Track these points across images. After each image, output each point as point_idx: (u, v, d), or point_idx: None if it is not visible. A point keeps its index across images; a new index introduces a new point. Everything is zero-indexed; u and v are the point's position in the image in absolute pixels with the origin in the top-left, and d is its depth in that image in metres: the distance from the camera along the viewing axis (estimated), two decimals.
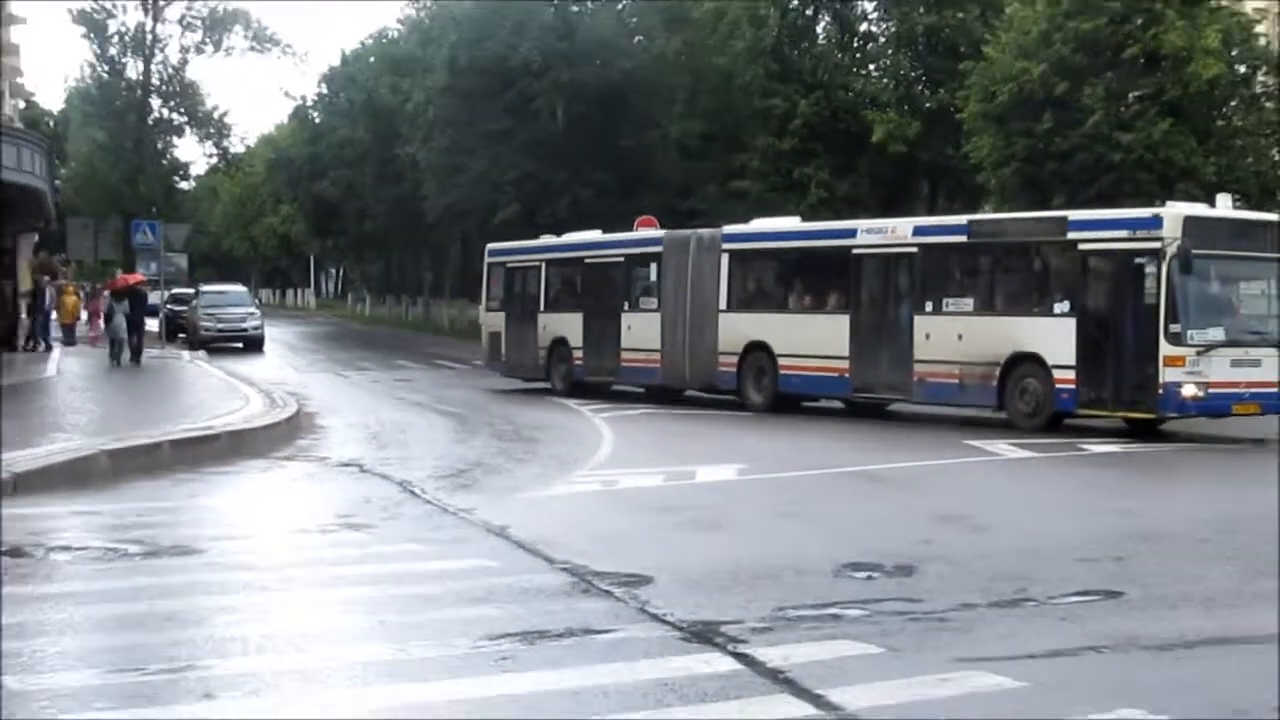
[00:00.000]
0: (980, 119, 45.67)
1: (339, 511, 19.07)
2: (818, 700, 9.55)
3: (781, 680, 10.15)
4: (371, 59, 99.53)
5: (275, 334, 71.05)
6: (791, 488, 22.01)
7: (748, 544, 16.50)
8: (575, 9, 68.95)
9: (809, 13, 61.22)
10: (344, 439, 28.79)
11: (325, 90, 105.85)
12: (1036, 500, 20.89)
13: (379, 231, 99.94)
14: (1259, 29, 46.69)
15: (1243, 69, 45.15)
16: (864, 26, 61.92)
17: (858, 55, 61.06)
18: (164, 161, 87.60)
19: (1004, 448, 26.49)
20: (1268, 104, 45.27)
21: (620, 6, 69.44)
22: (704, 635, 11.51)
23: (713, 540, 16.96)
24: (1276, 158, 45.02)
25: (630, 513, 19.27)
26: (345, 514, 18.77)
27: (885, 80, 58.52)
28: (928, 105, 53.94)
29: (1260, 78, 45.61)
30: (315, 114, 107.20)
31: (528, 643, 11.29)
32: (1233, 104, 45.15)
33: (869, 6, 61.79)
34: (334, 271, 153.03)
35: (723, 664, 10.63)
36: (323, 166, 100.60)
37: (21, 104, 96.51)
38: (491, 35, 67.52)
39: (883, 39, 60.94)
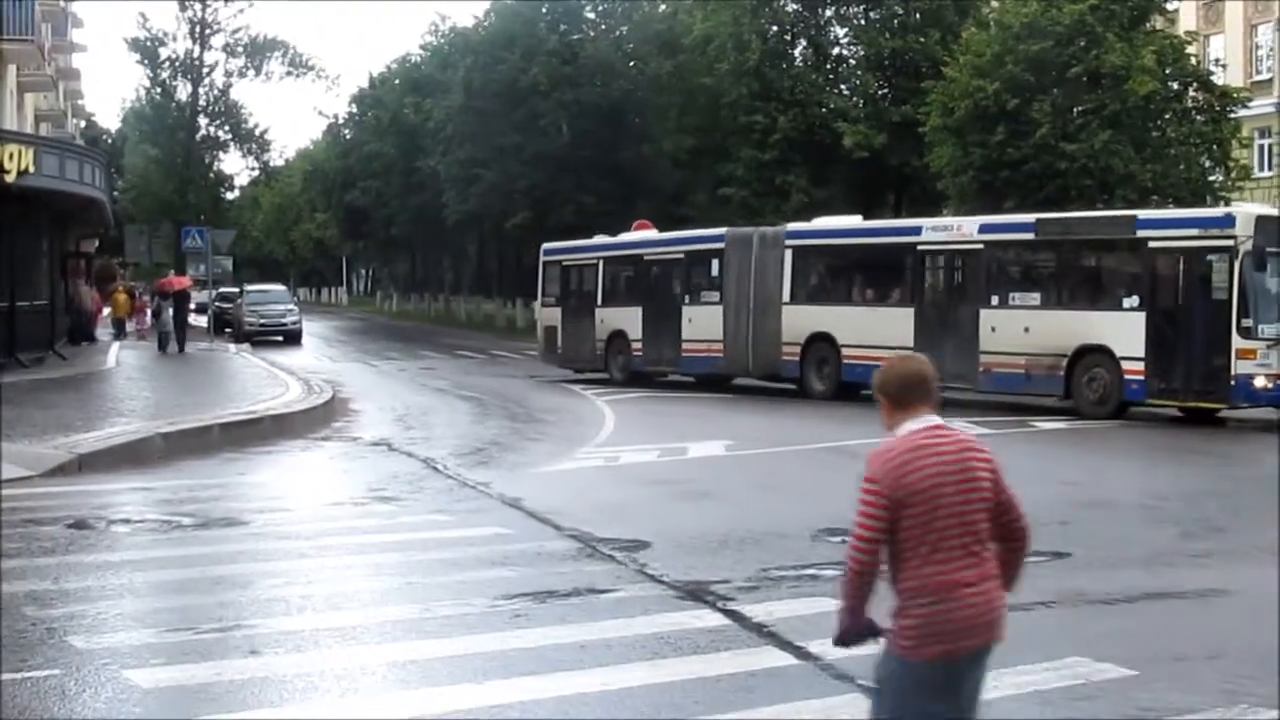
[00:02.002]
0: (940, 131, 45.58)
1: (370, 486, 19.08)
2: (798, 651, 9.62)
3: (766, 634, 10.21)
4: (396, 81, 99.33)
5: (312, 328, 71.04)
6: (774, 462, 22.10)
7: (734, 512, 16.54)
8: (578, 36, 68.77)
9: (787, 37, 60.99)
10: (374, 421, 28.76)
11: (355, 109, 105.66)
12: None
13: (404, 235, 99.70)
14: (1190, 49, 46.63)
15: (1175, 85, 45.08)
16: (836, 50, 61.68)
17: (831, 75, 60.86)
18: (211, 174, 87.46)
19: (961, 425, 26.23)
20: (1198, 117, 45.25)
21: (618, 34, 69.25)
22: (696, 594, 11.55)
23: (703, 509, 16.98)
24: (1206, 165, 44.99)
25: (630, 485, 19.29)
26: (376, 488, 18.78)
27: (855, 98, 58.43)
28: (894, 120, 53.72)
29: (1191, 93, 45.57)
30: (346, 131, 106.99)
31: (539, 601, 11.31)
32: (1166, 117, 45.02)
33: (841, 31, 61.62)
34: (364, 271, 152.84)
35: (713, 619, 10.68)
36: (353, 178, 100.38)
37: (83, 123, 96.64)
38: (503, 60, 67.46)
39: (853, 61, 60.77)
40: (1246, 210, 27.23)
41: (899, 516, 5.65)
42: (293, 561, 13.34)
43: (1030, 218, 31.25)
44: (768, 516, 16.02)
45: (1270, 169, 55.80)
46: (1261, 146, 56.41)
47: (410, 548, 13.90)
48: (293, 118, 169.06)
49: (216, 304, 65.25)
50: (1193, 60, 46.91)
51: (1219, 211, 27.82)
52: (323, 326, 79.77)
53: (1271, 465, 20.41)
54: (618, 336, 39.14)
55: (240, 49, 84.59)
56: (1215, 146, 44.82)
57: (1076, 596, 11.48)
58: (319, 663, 9.56)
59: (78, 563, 12.93)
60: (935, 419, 5.83)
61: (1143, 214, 29.68)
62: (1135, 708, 8.42)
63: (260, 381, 35.25)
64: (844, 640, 6.10)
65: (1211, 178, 45.38)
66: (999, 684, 8.73)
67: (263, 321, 63.30)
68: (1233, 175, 45.67)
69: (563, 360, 41.42)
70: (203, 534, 14.90)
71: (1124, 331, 27.32)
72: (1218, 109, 45.00)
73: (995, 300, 29.90)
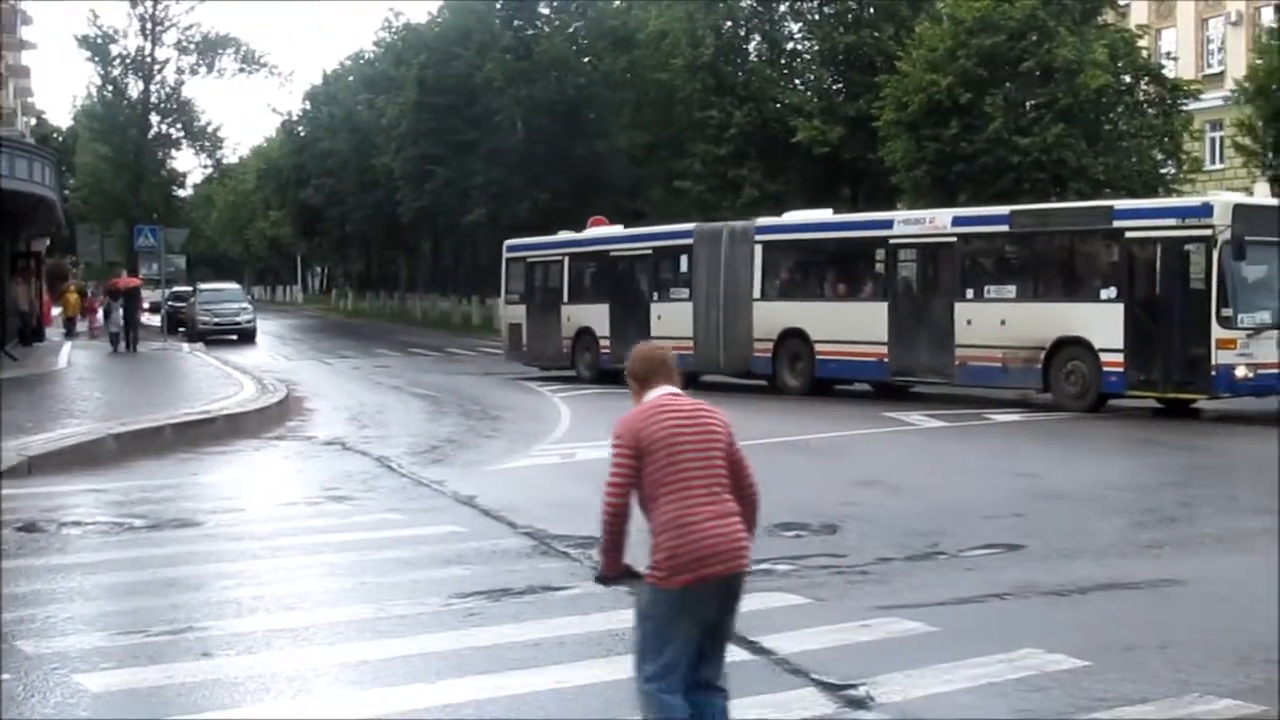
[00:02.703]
0: (894, 126, 45.73)
1: (324, 485, 19.02)
2: (753, 646, 9.59)
3: None
4: (350, 78, 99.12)
5: (266, 327, 70.82)
6: None
7: None
8: (532, 32, 68.70)
9: (741, 33, 61.13)
10: (328, 420, 28.67)
11: (309, 106, 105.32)
12: (947, 465, 20.96)
13: (359, 233, 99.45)
14: (1141, 43, 46.90)
15: (1127, 79, 45.34)
16: (791, 45, 61.73)
17: (786, 70, 60.91)
18: (163, 172, 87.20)
19: (918, 418, 26.55)
20: (1149, 110, 45.54)
21: (573, 29, 69.19)
22: None
23: None
24: (1157, 157, 45.25)
25: (585, 481, 19.05)
26: (329, 487, 18.72)
27: (810, 92, 58.48)
28: (848, 114, 53.82)
29: (1143, 86, 45.85)
30: (300, 128, 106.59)
31: (493, 599, 11.29)
32: (1118, 110, 45.33)
33: (795, 27, 61.63)
34: (319, 269, 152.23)
35: None
36: (307, 175, 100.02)
37: (33, 121, 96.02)
38: (457, 56, 67.51)
39: (808, 55, 60.83)
40: (1224, 199, 26.98)
41: (643, 464, 6.55)
42: (245, 562, 13.28)
43: (1004, 210, 31.08)
44: None
45: (1221, 161, 56.08)
46: (1213, 139, 56.70)
47: (364, 547, 13.85)
48: (246, 115, 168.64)
49: (170, 303, 64.82)
50: (1144, 54, 47.20)
51: (1197, 200, 27.52)
52: (277, 325, 79.48)
53: (1225, 454, 20.57)
54: (585, 334, 38.87)
55: (192, 46, 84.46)
56: (1167, 139, 45.12)
57: (1030, 588, 11.52)
58: (271, 664, 9.51)
59: (27, 566, 12.84)
60: (673, 389, 6.80)
61: (1119, 204, 29.54)
62: (1088, 698, 8.43)
63: (214, 381, 35.08)
64: (604, 580, 6.98)
65: (1163, 170, 45.68)
66: (953, 677, 8.83)
67: (216, 320, 63.05)
68: (1184, 167, 45.97)
69: (528, 358, 41.23)
70: (155, 535, 14.82)
71: (1102, 323, 27.07)
72: (1169, 102, 45.31)
73: (970, 293, 29.66)
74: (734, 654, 9.37)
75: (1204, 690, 8.53)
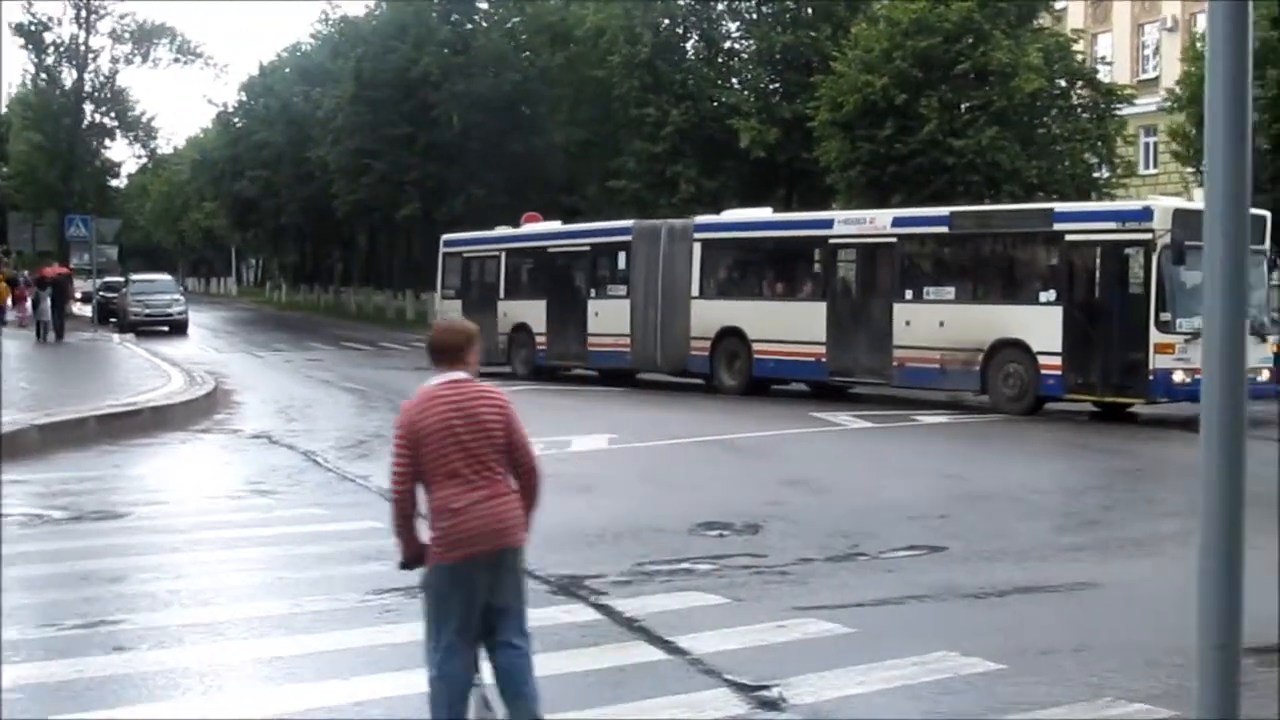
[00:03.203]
0: (829, 126, 45.73)
1: (248, 479, 18.93)
2: (668, 646, 9.61)
3: (636, 628, 10.18)
4: (286, 70, 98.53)
5: (199, 319, 70.35)
6: (656, 455, 22.06)
7: (613, 506, 16.52)
8: (470, 27, 68.56)
9: (679, 31, 61.15)
10: (256, 413, 28.51)
11: (245, 98, 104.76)
12: (873, 466, 21.01)
13: (294, 225, 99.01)
14: (1077, 47, 47.13)
15: (1062, 83, 45.56)
16: (728, 44, 61.78)
17: (723, 69, 60.96)
18: (96, 162, 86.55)
19: (846, 419, 26.58)
20: (1083, 114, 45.77)
21: (510, 25, 69.09)
22: (568, 588, 11.51)
23: (583, 503, 16.83)
24: (1091, 161, 45.47)
25: None
26: (254, 481, 18.65)
27: (747, 92, 58.50)
28: (784, 115, 53.88)
29: (1077, 90, 46.08)
30: (236, 119, 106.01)
31: (410, 596, 11.09)
32: (1052, 113, 45.52)
33: (733, 26, 61.68)
34: (254, 262, 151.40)
35: (584, 614, 10.64)
36: (243, 167, 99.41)
37: None
38: (394, 50, 67.20)
39: (745, 55, 60.86)
40: (1164, 203, 26.94)
41: (419, 452, 7.03)
42: (164, 556, 13.19)
43: (944, 211, 30.98)
44: (646, 510, 16.04)
45: (1155, 166, 56.46)
46: (1147, 144, 57.09)
47: (284, 542, 13.80)
48: (181, 105, 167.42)
49: (102, 294, 64.47)
50: (1079, 58, 47.42)
51: (1137, 204, 27.39)
52: (210, 317, 78.96)
53: (1154, 459, 20.71)
54: (521, 330, 38.65)
55: (127, 35, 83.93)
56: (1100, 143, 45.34)
57: (949, 590, 11.55)
58: (183, 659, 9.44)
59: None
60: (460, 375, 7.19)
61: (1060, 207, 29.54)
62: (1001, 702, 8.45)
63: (142, 372, 34.82)
64: (405, 565, 7.49)
65: (1096, 174, 45.92)
66: (867, 679, 8.83)
67: (148, 311, 62.56)
68: (1117, 171, 46.22)
69: None
70: (75, 528, 14.71)
71: (1040, 326, 27.02)
72: (1103, 106, 45.55)
73: (909, 294, 29.53)
74: (649, 654, 9.46)
75: (1117, 694, 8.56)
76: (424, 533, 7.24)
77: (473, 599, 7.23)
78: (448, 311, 41.23)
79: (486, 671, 7.36)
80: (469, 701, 7.29)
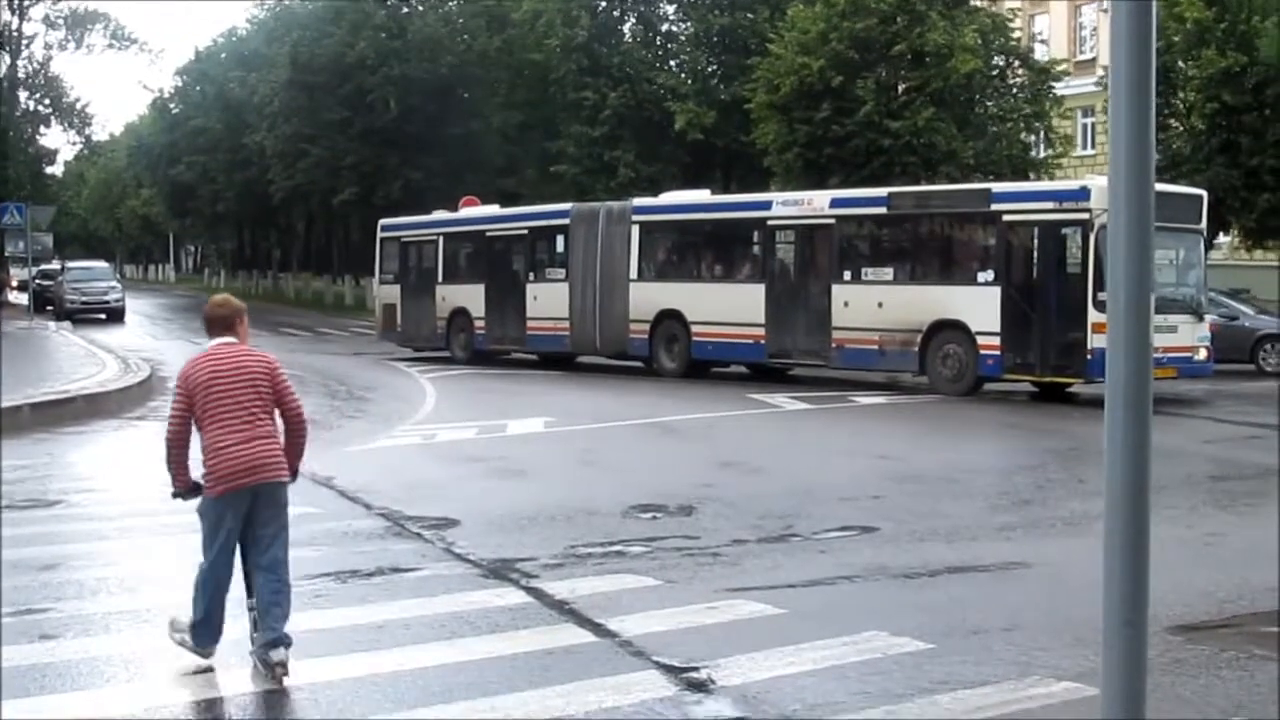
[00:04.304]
0: (766, 108, 45.80)
1: None
2: (597, 628, 9.57)
3: (566, 611, 10.15)
4: (222, 55, 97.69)
5: (136, 306, 69.93)
6: (591, 438, 22.01)
7: (547, 489, 16.47)
8: (406, 10, 68.25)
9: (616, 14, 61.13)
10: None
11: (181, 83, 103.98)
12: (808, 447, 21.04)
13: (231, 212, 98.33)
14: (1014, 25, 47.31)
15: (999, 62, 45.75)
16: (666, 26, 61.80)
17: (661, 52, 60.99)
18: (30, 150, 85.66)
19: (783, 400, 26.61)
20: (1019, 94, 45.96)
21: (446, 8, 68.82)
22: (500, 572, 11.47)
23: (517, 486, 16.88)
24: (1027, 141, 45.68)
25: (445, 463, 19.18)
26: None
27: (685, 75, 58.53)
28: (722, 97, 53.93)
29: (1014, 70, 46.27)
30: (172, 105, 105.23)
31: (340, 581, 11.19)
32: (988, 94, 45.70)
33: (671, 9, 61.68)
34: (192, 248, 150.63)
35: (514, 597, 10.60)
36: (179, 153, 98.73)
37: None
38: (330, 34, 66.79)
39: (683, 38, 60.86)
40: (1102, 183, 26.23)
41: (194, 401, 8.62)
42: (93, 544, 13.12)
43: (882, 191, 30.95)
44: (580, 493, 16.00)
45: (1093, 147, 56.78)
46: (1085, 125, 57.41)
47: None
48: (117, 92, 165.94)
49: (37, 281, 63.99)
50: (1016, 37, 47.59)
51: (1074, 184, 27.49)
52: (148, 304, 78.48)
53: (1088, 438, 20.80)
54: (460, 314, 38.56)
55: (60, 21, 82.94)
56: (1036, 122, 45.51)
57: (880, 571, 11.54)
58: (108, 647, 9.37)
59: None
60: (231, 339, 8.87)
61: (997, 187, 29.61)
62: (929, 681, 8.44)
63: (77, 360, 34.56)
64: (178, 494, 9.03)
65: (1032, 153, 46.11)
66: (796, 660, 8.81)
67: (84, 299, 62.09)
68: (1055, 147, 46.34)
69: (402, 339, 40.90)
70: (5, 516, 14.52)
71: (979, 306, 26.98)
72: (1040, 86, 45.69)
73: (848, 275, 29.48)
74: (577, 636, 9.43)
75: (1044, 673, 8.56)
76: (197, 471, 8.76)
77: (236, 525, 8.68)
78: (386, 297, 41.18)
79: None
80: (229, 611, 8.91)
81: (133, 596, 10.84)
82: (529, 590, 10.80)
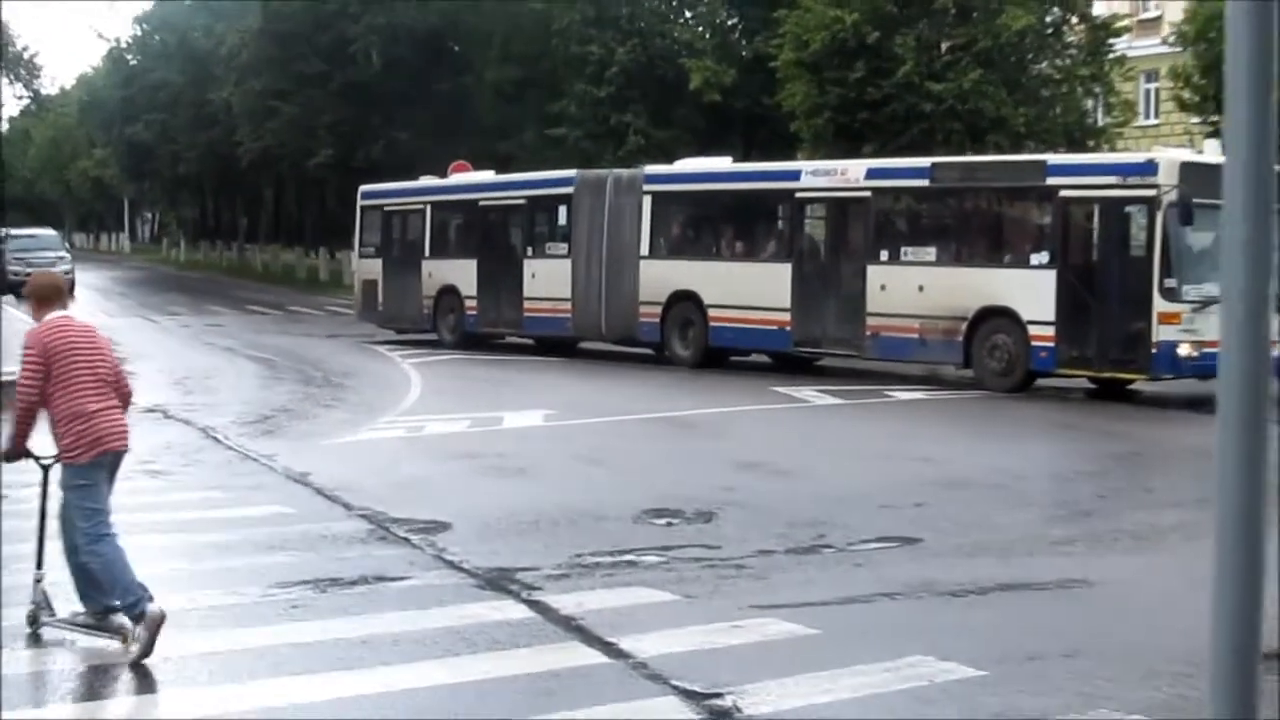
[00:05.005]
0: (794, 67, 45.53)
1: (138, 458, 18.48)
2: (608, 648, 9.54)
3: (573, 627, 10.12)
4: (186, 1, 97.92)
5: (87, 279, 69.79)
6: (597, 433, 21.99)
7: (549, 490, 16.45)
8: None
9: None
10: (150, 384, 28.20)
11: (139, 32, 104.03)
12: (840, 447, 21.03)
13: (193, 175, 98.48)
14: None
15: (1054, 18, 45.55)
16: None
17: (675, 2, 60.89)
18: None
19: (810, 394, 26.55)
20: (1076, 53, 45.71)
21: None
22: (498, 582, 11.45)
23: (515, 487, 16.86)
24: (1086, 107, 45.49)
25: (434, 459, 19.17)
26: (145, 460, 18.35)
27: (702, 28, 58.39)
28: (743, 54, 53.83)
29: (1070, 27, 46.05)
30: (129, 56, 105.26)
31: (319, 590, 11.16)
32: (1042, 54, 45.47)
33: None
34: (149, 216, 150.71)
35: (515, 611, 10.57)
36: (137, 110, 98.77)
37: None
38: None
39: None
40: (1170, 156, 26.46)
41: (50, 369, 9.50)
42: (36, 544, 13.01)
43: (925, 162, 30.59)
44: (586, 495, 15.98)
45: (1155, 116, 56.59)
46: (1147, 91, 57.19)
47: (178, 529, 13.75)
48: (68, 41, 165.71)
49: None
50: None
51: (1140, 157, 27.10)
52: (100, 277, 78.41)
53: (1152, 442, 20.77)
54: (448, 293, 38.35)
55: None
56: (1095, 84, 45.29)
57: (924, 587, 11.49)
58: (60, 661, 9.42)
59: None
60: (66, 313, 9.88)
61: (1054, 159, 29.39)
62: (982, 712, 8.40)
63: (20, 339, 34.46)
64: (7, 459, 10.12)
65: (1090, 121, 45.89)
66: (832, 687, 8.78)
67: (29, 271, 61.93)
68: (1115, 113, 46.11)
69: (384, 320, 40.83)
70: None
71: (1031, 292, 26.67)
72: (1099, 44, 45.43)
73: (885, 255, 29.20)
74: (586, 656, 9.40)
75: (1111, 705, 8.52)
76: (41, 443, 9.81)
77: (105, 489, 9.79)
78: (366, 273, 41.11)
79: None
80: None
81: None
82: (531, 604, 10.76)
